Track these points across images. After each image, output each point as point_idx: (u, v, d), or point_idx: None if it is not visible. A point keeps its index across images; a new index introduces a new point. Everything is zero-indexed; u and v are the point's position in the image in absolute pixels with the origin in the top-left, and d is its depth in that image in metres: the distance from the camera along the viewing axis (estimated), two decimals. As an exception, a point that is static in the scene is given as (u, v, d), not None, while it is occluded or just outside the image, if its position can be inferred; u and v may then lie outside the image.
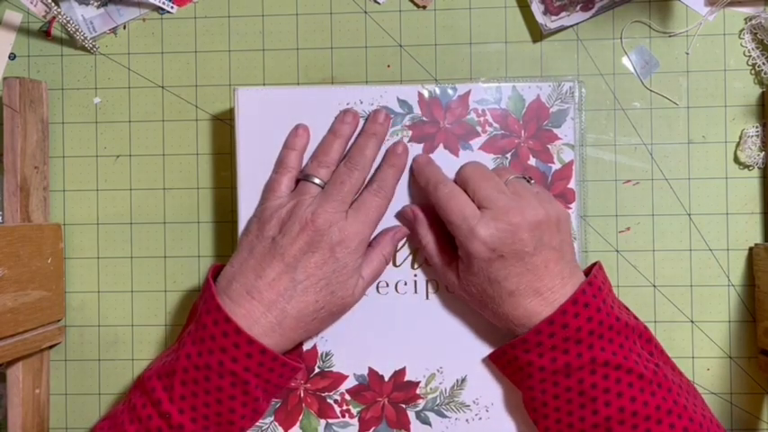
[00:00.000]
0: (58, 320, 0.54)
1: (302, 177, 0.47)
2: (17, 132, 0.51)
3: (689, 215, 0.53)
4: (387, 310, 0.49)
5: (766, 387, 0.52)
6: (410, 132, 0.48)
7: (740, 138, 0.52)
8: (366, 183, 0.47)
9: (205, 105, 0.54)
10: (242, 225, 0.48)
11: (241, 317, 0.43)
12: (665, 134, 0.53)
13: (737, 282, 0.52)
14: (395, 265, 0.49)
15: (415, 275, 0.49)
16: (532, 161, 0.48)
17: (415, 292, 0.49)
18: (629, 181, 0.53)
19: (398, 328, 0.49)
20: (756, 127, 0.52)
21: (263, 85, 0.54)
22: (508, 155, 0.48)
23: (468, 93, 0.48)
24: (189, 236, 0.54)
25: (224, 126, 0.54)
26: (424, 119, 0.48)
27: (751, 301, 0.52)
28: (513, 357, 0.44)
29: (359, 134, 0.48)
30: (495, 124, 0.48)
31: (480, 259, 0.43)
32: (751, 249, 0.52)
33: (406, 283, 0.49)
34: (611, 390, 0.42)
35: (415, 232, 0.47)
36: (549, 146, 0.48)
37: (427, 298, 0.49)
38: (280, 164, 0.48)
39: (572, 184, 0.48)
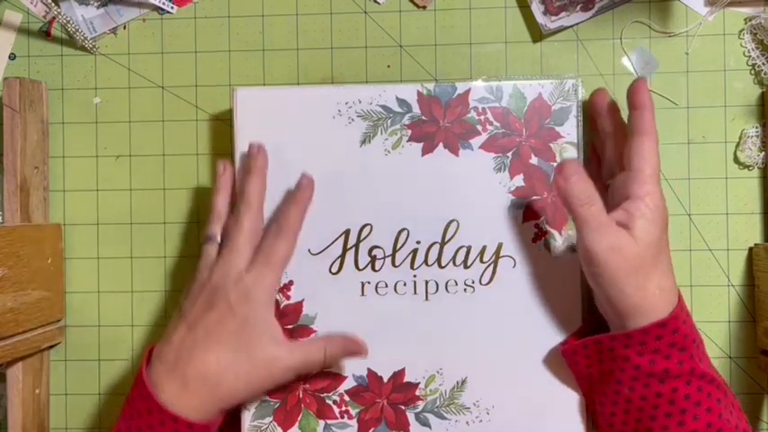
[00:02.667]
0: (58, 320, 0.54)
1: (203, 241, 0.47)
2: (17, 132, 0.51)
3: (689, 215, 0.53)
4: (386, 310, 0.48)
5: (766, 387, 0.52)
6: (409, 132, 0.48)
7: (740, 138, 0.52)
8: (268, 222, 0.46)
9: (205, 105, 0.54)
10: None
11: (152, 384, 0.43)
12: (665, 134, 0.53)
13: (737, 282, 0.52)
14: (394, 265, 0.48)
15: (415, 276, 0.49)
16: (534, 160, 0.48)
17: (415, 293, 0.49)
18: (629, 181, 0.53)
19: (398, 329, 0.48)
20: (756, 127, 0.52)
21: (263, 85, 0.54)
22: (509, 154, 0.48)
23: (468, 91, 0.48)
24: (188, 236, 0.54)
25: (224, 126, 0.54)
26: (424, 118, 0.48)
27: (751, 301, 0.52)
28: (610, 348, 0.43)
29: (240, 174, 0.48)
30: (495, 123, 0.48)
31: (663, 220, 0.43)
32: (751, 249, 0.52)
33: (405, 284, 0.49)
34: (701, 403, 0.41)
35: (577, 190, 0.42)
36: (551, 144, 0.48)
37: (426, 299, 0.48)
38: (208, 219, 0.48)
39: None
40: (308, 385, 0.49)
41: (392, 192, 0.48)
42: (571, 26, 0.53)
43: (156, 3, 0.54)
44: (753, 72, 0.52)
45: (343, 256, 0.48)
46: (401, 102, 0.48)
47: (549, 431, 0.48)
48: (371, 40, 0.54)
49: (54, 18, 0.55)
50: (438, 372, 0.48)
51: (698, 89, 0.52)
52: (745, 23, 0.52)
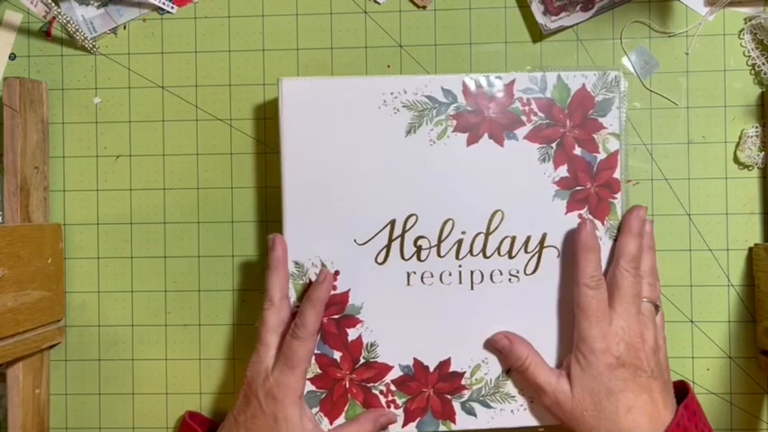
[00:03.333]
0: (58, 320, 0.54)
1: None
2: (17, 132, 0.51)
3: (689, 215, 0.53)
4: (431, 300, 0.48)
5: (766, 387, 0.52)
6: (454, 122, 0.48)
7: (740, 138, 0.52)
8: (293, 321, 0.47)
9: (205, 105, 0.54)
10: (287, 220, 0.48)
11: None
12: (665, 134, 0.53)
13: (737, 282, 0.52)
14: (439, 255, 0.48)
15: (460, 266, 0.48)
16: (578, 151, 0.48)
17: (460, 282, 0.48)
18: (629, 181, 0.53)
19: (443, 318, 0.48)
20: (756, 127, 0.52)
21: (263, 84, 0.54)
22: (553, 144, 0.48)
23: (513, 82, 0.48)
24: (189, 236, 0.54)
25: (224, 126, 0.54)
26: (469, 108, 0.48)
27: (751, 301, 0.52)
28: None
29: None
30: (540, 113, 0.48)
31: (604, 363, 0.43)
32: (751, 249, 0.52)
33: (450, 274, 0.48)
34: None
35: (513, 355, 0.47)
36: (594, 135, 0.48)
37: (472, 289, 0.48)
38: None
39: (617, 174, 0.48)
40: (354, 375, 0.49)
41: (437, 182, 0.48)
42: (571, 26, 0.53)
43: (156, 3, 0.54)
44: (753, 72, 0.52)
45: (388, 247, 0.48)
46: (446, 92, 0.48)
47: None
48: (371, 40, 0.54)
49: (54, 18, 0.55)
50: (483, 361, 0.48)
51: (698, 89, 0.52)
52: (745, 23, 0.52)
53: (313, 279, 0.48)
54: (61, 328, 0.54)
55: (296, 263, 0.48)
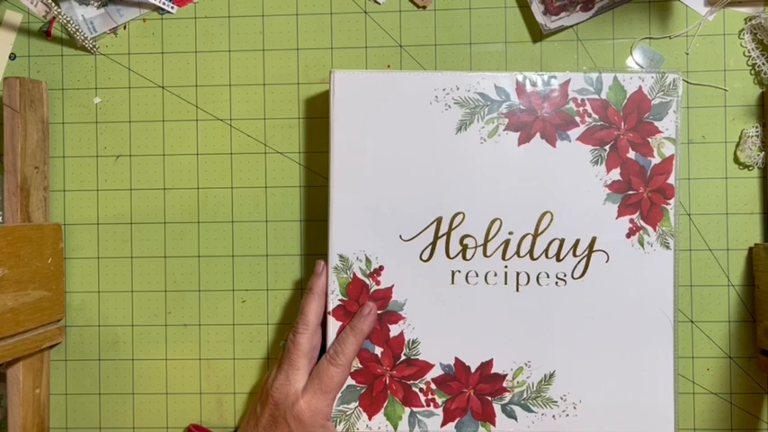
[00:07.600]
0: (58, 320, 0.54)
1: (283, 344, 0.48)
2: (17, 132, 0.51)
3: (689, 215, 0.53)
4: (475, 300, 0.48)
5: (766, 387, 0.52)
6: (506, 120, 0.48)
7: (740, 138, 0.52)
8: (329, 347, 0.47)
9: (205, 105, 0.54)
10: (333, 213, 0.48)
11: None
12: (665, 134, 0.53)
13: (737, 282, 0.52)
14: (485, 255, 0.48)
15: (506, 267, 0.48)
16: (632, 154, 0.48)
17: (505, 283, 0.48)
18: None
19: (487, 319, 0.48)
20: (756, 127, 0.52)
21: (263, 84, 0.54)
22: (606, 147, 0.48)
23: (568, 82, 0.48)
24: (189, 236, 0.54)
25: (224, 126, 0.54)
26: (522, 107, 0.48)
27: (751, 301, 0.52)
28: None
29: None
30: (594, 115, 0.48)
31: None
32: (751, 249, 0.52)
33: (496, 274, 0.48)
34: None
35: None
36: (649, 139, 0.48)
37: (517, 290, 0.48)
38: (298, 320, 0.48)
39: (671, 180, 0.48)
40: (394, 372, 0.48)
41: (486, 181, 0.48)
42: (571, 26, 0.53)
43: (156, 3, 0.54)
44: (753, 72, 0.52)
45: (434, 244, 0.48)
46: (499, 90, 0.48)
47: (636, 428, 0.47)
48: (371, 40, 0.54)
49: (54, 18, 0.55)
50: (526, 364, 0.48)
51: (698, 89, 0.52)
52: (745, 23, 0.52)
53: (357, 274, 0.48)
54: (61, 328, 0.54)
55: (341, 256, 0.48)
